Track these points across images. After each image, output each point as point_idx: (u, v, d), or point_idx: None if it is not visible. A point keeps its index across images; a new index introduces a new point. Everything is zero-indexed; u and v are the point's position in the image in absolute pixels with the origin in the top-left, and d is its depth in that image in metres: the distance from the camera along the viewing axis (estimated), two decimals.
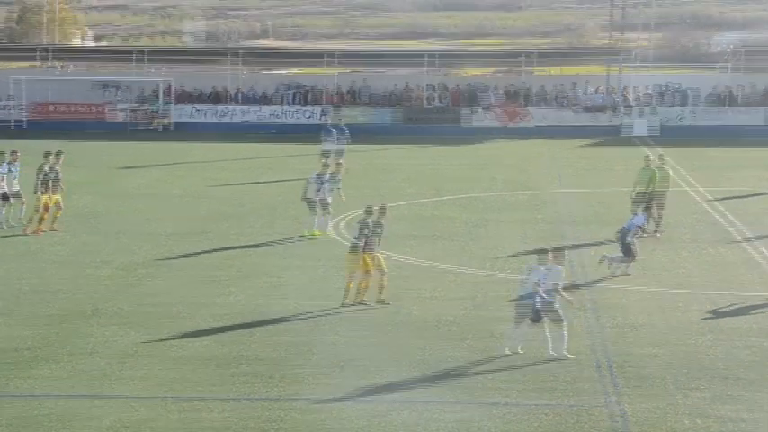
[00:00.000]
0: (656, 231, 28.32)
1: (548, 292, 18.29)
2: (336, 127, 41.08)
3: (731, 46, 68.44)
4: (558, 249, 19.01)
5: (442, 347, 18.86)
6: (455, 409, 15.99)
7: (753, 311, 21.26)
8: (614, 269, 24.17)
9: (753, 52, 66.43)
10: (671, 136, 53.92)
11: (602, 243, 27.78)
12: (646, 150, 49.08)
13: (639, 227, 24.72)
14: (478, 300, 22.17)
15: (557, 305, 18.37)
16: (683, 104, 59.26)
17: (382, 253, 22.12)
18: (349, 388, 16.79)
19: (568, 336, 18.36)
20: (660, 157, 29.97)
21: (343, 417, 15.69)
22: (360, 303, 21.39)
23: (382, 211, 21.98)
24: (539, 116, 58.84)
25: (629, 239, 24.15)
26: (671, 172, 29.72)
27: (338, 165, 30.07)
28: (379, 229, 21.60)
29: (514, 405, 16.20)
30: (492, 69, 74.21)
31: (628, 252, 24.09)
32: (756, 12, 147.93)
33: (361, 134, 54.70)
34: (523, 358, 18.24)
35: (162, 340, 19.19)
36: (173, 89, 60.12)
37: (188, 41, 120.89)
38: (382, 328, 20.11)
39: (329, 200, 28.72)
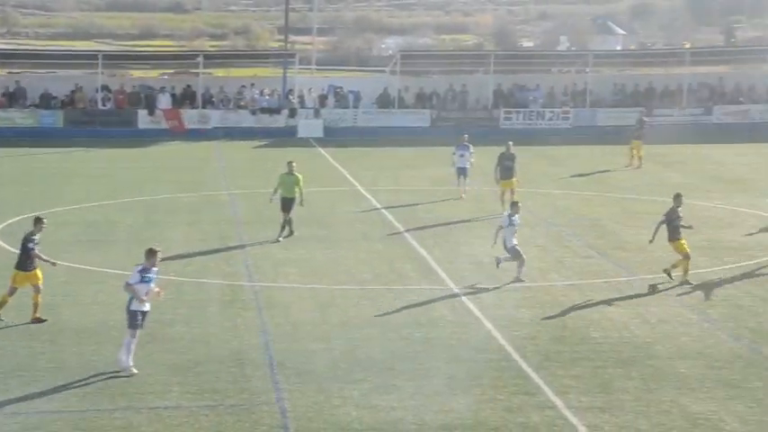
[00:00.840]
0: (279, 237, 28.44)
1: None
2: None
3: (390, 51, 71.24)
4: (150, 250, 18.30)
5: (101, 353, 18.50)
6: (114, 416, 15.74)
7: (407, 304, 22.21)
8: (516, 272, 23.97)
9: (412, 56, 69.61)
10: (335, 137, 55.49)
11: (265, 242, 28.23)
12: (321, 152, 50.26)
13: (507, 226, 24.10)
14: None
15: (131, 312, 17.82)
16: (350, 106, 60.99)
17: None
18: (0, 402, 16.13)
19: (131, 349, 17.67)
20: (289, 163, 29.25)
21: None
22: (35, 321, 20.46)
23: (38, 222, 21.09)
24: (214, 118, 58.79)
25: (508, 244, 23.98)
26: (301, 177, 29.16)
27: None
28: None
29: (175, 408, 16.14)
30: (165, 71, 73.36)
31: (515, 254, 23.99)
32: (415, 18, 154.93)
33: (22, 138, 52.70)
34: (185, 360, 18.22)
35: None
36: None
37: None
38: (40, 337, 19.47)
39: None
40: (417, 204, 34.77)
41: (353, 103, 61.24)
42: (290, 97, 60.61)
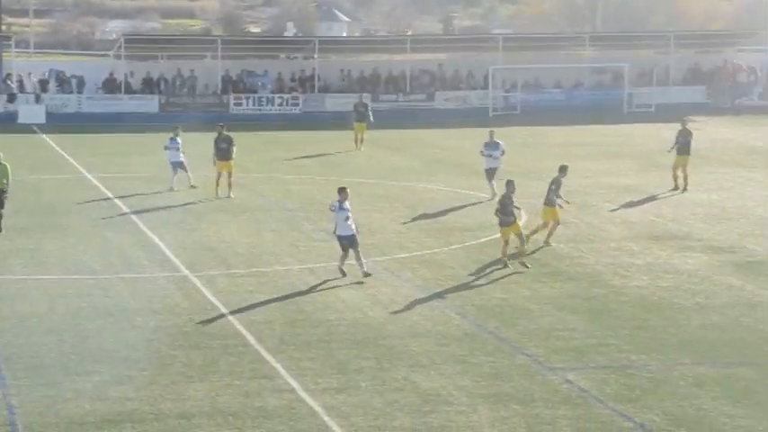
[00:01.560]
0: None
1: None
2: None
3: (114, 35, 69.63)
4: None
5: None
6: None
7: (140, 292, 21.83)
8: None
9: (137, 40, 68.24)
10: (59, 123, 53.68)
11: None
12: (45, 138, 48.44)
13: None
14: None
15: None
16: (74, 91, 59.13)
17: None
18: None
19: None
20: None
21: None
22: None
23: None
24: None
25: (342, 232, 22.92)
26: (9, 166, 27.82)
27: None
28: None
29: None
30: None
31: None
32: (139, 2, 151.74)
33: None
34: None
35: None
36: None
37: None
38: None
39: None
40: (147, 191, 34.15)
41: (77, 87, 59.46)
42: (9, 82, 58.18)
